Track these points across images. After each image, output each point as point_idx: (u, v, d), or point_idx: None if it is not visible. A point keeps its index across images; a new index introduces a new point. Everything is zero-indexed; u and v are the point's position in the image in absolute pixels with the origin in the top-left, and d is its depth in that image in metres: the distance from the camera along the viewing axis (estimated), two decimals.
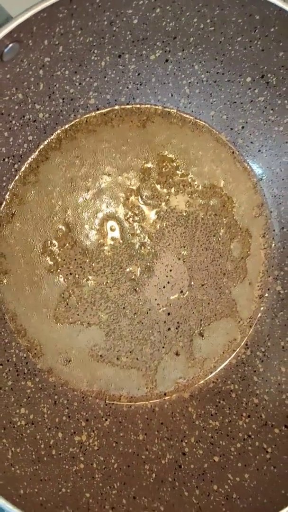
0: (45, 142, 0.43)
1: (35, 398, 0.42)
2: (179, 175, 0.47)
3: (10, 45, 0.32)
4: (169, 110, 0.46)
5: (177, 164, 0.47)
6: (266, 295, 0.49)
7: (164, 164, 0.46)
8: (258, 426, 0.44)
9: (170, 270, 0.47)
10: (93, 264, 0.45)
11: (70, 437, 0.42)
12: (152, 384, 0.46)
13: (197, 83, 0.45)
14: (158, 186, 0.46)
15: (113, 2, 0.36)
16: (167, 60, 0.43)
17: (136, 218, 0.46)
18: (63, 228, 0.44)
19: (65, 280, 0.44)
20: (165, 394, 0.47)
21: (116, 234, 0.45)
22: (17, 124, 0.40)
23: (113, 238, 0.45)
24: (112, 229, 0.45)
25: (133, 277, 0.46)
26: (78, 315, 0.44)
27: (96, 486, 0.39)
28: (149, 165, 0.46)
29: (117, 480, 0.40)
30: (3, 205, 0.42)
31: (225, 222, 0.48)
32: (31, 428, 0.40)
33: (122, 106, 0.45)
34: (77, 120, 0.44)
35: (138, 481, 0.41)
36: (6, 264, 0.43)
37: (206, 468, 0.42)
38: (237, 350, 0.49)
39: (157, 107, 0.46)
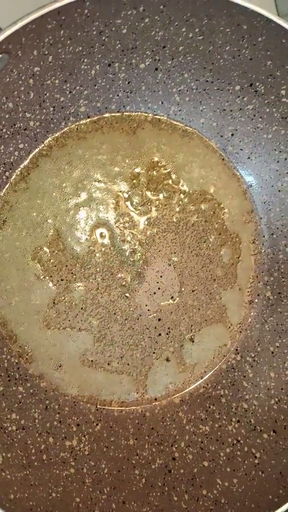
0: (36, 150, 0.43)
1: (26, 403, 0.42)
2: (169, 181, 0.47)
3: (0, 55, 0.33)
4: (159, 117, 0.46)
5: (167, 170, 0.47)
6: (256, 300, 0.49)
7: (154, 170, 0.47)
8: (247, 431, 0.44)
9: (161, 276, 0.47)
10: (84, 270, 0.45)
11: (61, 442, 0.42)
12: (143, 389, 0.47)
13: (187, 91, 0.45)
14: (148, 193, 0.46)
15: (102, 13, 0.37)
16: (156, 69, 0.43)
17: (127, 225, 0.46)
18: (54, 234, 0.44)
19: (56, 286, 0.45)
20: (155, 399, 0.47)
21: (107, 240, 0.46)
22: (8, 133, 0.40)
23: (103, 245, 0.45)
24: (102, 236, 0.45)
25: (123, 283, 0.46)
26: (69, 320, 0.45)
27: (86, 490, 0.39)
28: (139, 171, 0.46)
29: (107, 485, 0.41)
30: None
31: (215, 228, 0.48)
32: (22, 433, 0.40)
33: (113, 114, 0.45)
34: (67, 128, 0.44)
35: (128, 486, 0.41)
36: None
37: (196, 473, 0.43)
38: (227, 355, 0.49)
39: (147, 114, 0.46)
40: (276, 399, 0.45)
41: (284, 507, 0.38)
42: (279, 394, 0.45)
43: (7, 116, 0.39)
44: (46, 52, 0.37)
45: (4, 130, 0.40)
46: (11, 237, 0.43)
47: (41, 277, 0.44)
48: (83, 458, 0.42)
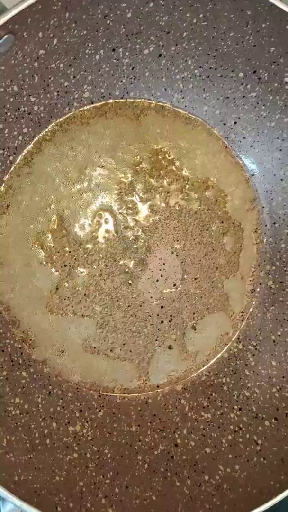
0: (40, 135, 0.43)
1: (30, 388, 0.42)
2: (172, 168, 0.47)
3: (5, 36, 0.33)
4: (162, 104, 0.47)
5: (170, 157, 0.47)
6: (258, 289, 0.50)
7: (157, 157, 0.47)
8: (249, 419, 0.45)
9: (163, 264, 0.47)
10: (87, 256, 0.45)
11: (64, 427, 0.42)
12: (145, 376, 0.47)
13: (190, 78, 0.45)
14: (151, 180, 0.46)
15: None
16: (160, 55, 0.43)
17: (130, 211, 0.46)
18: (57, 219, 0.45)
19: (59, 272, 0.45)
20: (158, 386, 0.47)
21: (110, 227, 0.46)
22: (12, 116, 0.40)
23: (107, 231, 0.46)
24: (106, 222, 0.46)
25: (126, 270, 0.46)
26: (72, 307, 0.45)
27: (89, 475, 0.40)
28: (142, 157, 0.46)
29: (110, 470, 0.41)
30: None
31: (217, 216, 0.48)
32: (26, 417, 0.40)
33: (116, 100, 0.45)
34: (71, 113, 0.44)
35: (131, 471, 0.41)
36: (1, 255, 0.43)
37: (198, 459, 0.43)
38: (229, 343, 0.49)
39: (150, 101, 0.46)
40: (278, 387, 0.45)
41: (285, 493, 0.38)
42: (281, 382, 0.46)
43: (11, 99, 0.39)
44: (51, 35, 0.37)
45: (9, 114, 0.40)
46: (14, 222, 0.43)
47: (44, 262, 0.44)
48: (86, 443, 0.42)
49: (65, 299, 0.45)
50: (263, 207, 0.49)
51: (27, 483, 0.35)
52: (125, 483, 0.40)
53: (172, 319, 0.47)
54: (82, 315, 0.45)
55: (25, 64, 0.37)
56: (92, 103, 0.45)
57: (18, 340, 0.43)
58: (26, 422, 0.40)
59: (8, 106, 0.39)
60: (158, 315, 0.47)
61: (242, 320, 0.49)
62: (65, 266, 0.44)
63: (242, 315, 0.49)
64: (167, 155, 0.47)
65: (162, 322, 0.47)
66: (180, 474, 0.42)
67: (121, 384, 0.46)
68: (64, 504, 0.36)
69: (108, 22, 0.39)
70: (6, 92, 0.38)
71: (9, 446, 0.37)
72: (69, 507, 0.36)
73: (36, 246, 0.44)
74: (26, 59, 0.37)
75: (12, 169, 0.43)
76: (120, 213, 0.46)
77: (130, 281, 0.46)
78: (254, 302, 0.50)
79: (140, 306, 0.47)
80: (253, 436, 0.44)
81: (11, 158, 0.42)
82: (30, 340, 0.44)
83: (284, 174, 0.48)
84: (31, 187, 0.44)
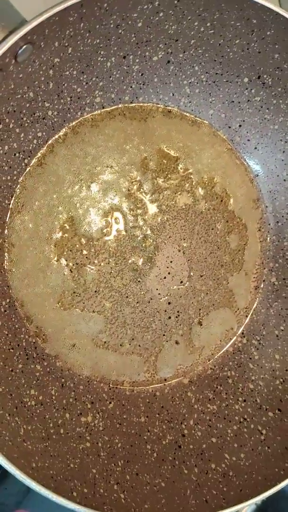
0: (53, 138, 0.45)
1: (44, 380, 0.44)
2: (179, 169, 0.49)
3: (24, 46, 0.34)
4: (170, 108, 0.48)
5: (177, 158, 0.49)
6: (262, 286, 0.51)
7: (164, 158, 0.48)
8: (254, 410, 0.46)
9: (171, 262, 0.49)
10: (98, 255, 0.47)
11: (77, 418, 0.44)
12: (153, 370, 0.48)
13: (197, 83, 0.47)
14: (159, 180, 0.48)
15: (120, 7, 0.38)
16: (169, 61, 0.45)
17: (139, 211, 0.48)
18: (69, 218, 0.46)
19: (71, 269, 0.46)
20: (165, 379, 0.49)
21: (120, 226, 0.47)
22: (28, 121, 0.42)
23: (117, 230, 0.47)
24: (116, 222, 0.47)
25: (135, 268, 0.48)
26: (83, 303, 0.46)
27: (101, 463, 0.41)
28: (150, 159, 0.48)
29: (121, 458, 0.43)
30: (13, 198, 0.44)
31: (222, 216, 0.50)
32: (41, 408, 0.42)
33: (126, 105, 0.47)
34: (83, 117, 0.46)
35: (141, 459, 0.43)
36: (15, 253, 0.45)
37: (205, 449, 0.45)
38: (234, 338, 0.51)
39: (158, 105, 0.48)
40: (281, 380, 0.47)
41: None
42: (284, 375, 0.47)
43: (27, 105, 0.40)
44: (66, 44, 0.38)
45: (25, 119, 0.41)
46: (28, 222, 0.45)
47: (57, 260, 0.46)
48: (97, 433, 0.44)
49: (76, 295, 0.46)
50: (267, 206, 0.51)
51: (44, 469, 0.37)
52: (136, 471, 0.42)
53: (179, 315, 0.49)
54: (93, 311, 0.47)
55: (41, 72, 0.39)
56: (103, 107, 0.46)
57: (32, 335, 0.45)
58: (41, 412, 0.42)
59: (24, 111, 0.41)
60: (165, 311, 0.49)
61: (247, 316, 0.51)
62: (76, 264, 0.46)
63: (246, 311, 0.51)
64: (173, 156, 0.48)
65: (169, 317, 0.49)
66: (188, 463, 0.44)
67: (130, 377, 0.48)
68: (79, 489, 0.37)
69: (120, 31, 0.41)
70: (22, 98, 0.39)
71: (26, 435, 0.38)
72: (84, 492, 0.37)
73: (49, 244, 0.46)
74: (42, 67, 0.39)
75: (26, 171, 0.44)
76: (129, 212, 0.47)
77: (139, 279, 0.48)
78: (258, 298, 0.51)
79: (149, 302, 0.48)
80: (258, 426, 0.45)
81: (26, 160, 0.44)
82: (44, 335, 0.45)
83: (287, 175, 0.49)
84: (43, 188, 0.45)
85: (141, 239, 0.48)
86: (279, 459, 0.42)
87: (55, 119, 0.44)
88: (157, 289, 0.48)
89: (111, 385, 0.47)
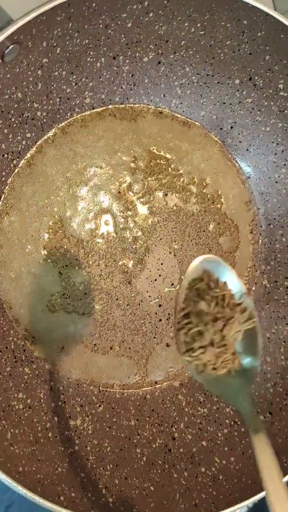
0: (42, 138, 0.45)
1: (32, 384, 0.43)
2: (169, 170, 0.48)
3: (11, 46, 0.34)
4: (161, 109, 0.48)
5: (168, 159, 0.48)
6: (253, 288, 0.51)
7: (155, 158, 0.48)
8: None
9: (162, 264, 0.48)
10: (88, 256, 0.46)
11: (66, 421, 0.43)
12: (144, 373, 0.48)
13: (188, 84, 0.47)
14: (149, 181, 0.48)
15: (109, 7, 0.38)
16: (159, 62, 0.45)
17: (129, 213, 0.47)
18: (58, 220, 0.46)
19: (60, 271, 0.46)
20: (156, 382, 0.48)
21: (110, 228, 0.47)
22: (16, 122, 0.41)
23: (106, 232, 0.47)
24: (106, 223, 0.47)
25: (126, 270, 0.47)
26: (73, 305, 0.46)
27: (90, 467, 0.41)
28: (140, 159, 0.48)
29: (109, 462, 0.42)
30: (1, 199, 0.44)
31: (214, 218, 0.49)
32: (29, 411, 0.41)
33: (116, 106, 0.47)
34: (73, 118, 0.45)
35: (130, 463, 0.43)
36: (3, 255, 0.44)
37: (195, 452, 0.44)
38: None
39: (150, 106, 0.48)
40: (272, 383, 0.47)
41: None
42: (275, 378, 0.47)
43: (15, 105, 0.40)
44: (55, 44, 0.38)
45: (13, 120, 0.41)
46: (17, 223, 0.45)
47: (45, 262, 0.45)
48: (86, 437, 0.43)
49: (65, 297, 0.46)
50: (259, 208, 0.51)
51: (31, 473, 0.36)
52: (125, 475, 0.42)
53: (169, 317, 0.49)
54: (82, 313, 0.46)
55: (29, 72, 0.39)
56: (93, 108, 0.46)
57: (20, 337, 0.45)
58: (29, 416, 0.41)
59: (12, 112, 0.40)
60: (156, 313, 0.48)
61: None
62: (65, 266, 0.46)
63: None
64: (164, 156, 0.48)
65: (160, 320, 0.48)
66: (178, 466, 0.43)
67: (120, 380, 0.48)
68: (66, 493, 0.37)
69: (109, 31, 0.40)
70: (11, 99, 0.39)
71: (13, 439, 0.38)
72: (71, 497, 0.37)
73: (38, 246, 0.45)
74: (30, 67, 0.38)
75: (15, 171, 0.44)
76: (119, 214, 0.47)
77: (129, 281, 0.47)
78: None
79: (139, 304, 0.48)
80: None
81: (14, 162, 0.44)
82: (33, 337, 0.45)
83: (278, 176, 0.49)
84: (32, 188, 0.45)
85: (131, 241, 0.47)
86: None
87: (44, 120, 0.44)
88: (147, 292, 0.48)
89: (100, 388, 0.47)
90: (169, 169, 0.48)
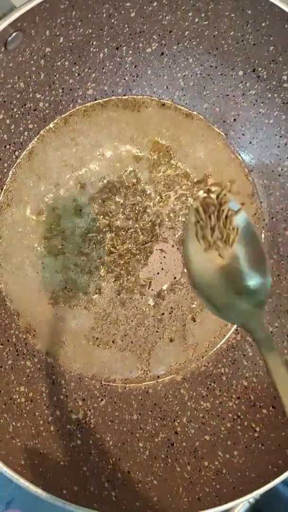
0: (44, 128, 0.44)
1: (34, 377, 0.43)
2: (173, 161, 0.48)
3: (14, 33, 0.34)
4: (164, 101, 0.48)
5: (171, 150, 0.48)
6: None
7: (157, 149, 0.48)
8: (247, 407, 0.46)
9: (164, 257, 0.48)
10: (89, 249, 0.46)
11: (68, 415, 0.43)
12: (146, 367, 0.48)
13: (191, 76, 0.46)
14: (152, 172, 0.47)
15: None
16: (162, 53, 0.44)
17: (131, 204, 0.47)
18: (60, 211, 0.45)
19: (62, 264, 0.46)
20: (158, 376, 0.48)
21: (112, 219, 0.47)
22: (19, 113, 0.41)
23: (108, 223, 0.46)
24: (107, 214, 0.46)
25: (128, 262, 0.47)
26: (74, 299, 0.46)
27: (92, 460, 0.41)
28: (143, 149, 0.47)
29: (112, 456, 0.42)
30: (3, 191, 0.43)
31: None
32: (31, 405, 0.41)
33: (119, 97, 0.46)
34: (75, 109, 0.45)
35: (132, 457, 0.43)
36: (4, 247, 0.44)
37: (198, 446, 0.44)
38: (228, 335, 0.50)
39: (152, 98, 0.47)
40: None
41: (283, 476, 0.39)
42: None
43: (18, 95, 0.40)
44: (58, 33, 0.38)
45: (15, 110, 0.40)
46: (18, 214, 0.44)
47: (47, 254, 0.45)
48: (88, 430, 0.43)
49: (68, 291, 0.46)
50: (261, 202, 0.50)
51: (33, 466, 0.36)
52: (127, 469, 0.41)
53: (172, 311, 0.48)
54: (84, 307, 0.46)
55: (32, 62, 0.38)
56: (96, 99, 0.46)
57: (22, 330, 0.44)
58: (31, 409, 0.41)
59: (15, 102, 0.40)
60: (158, 307, 0.48)
61: None
62: (68, 258, 0.45)
63: None
64: (168, 147, 0.48)
65: (162, 314, 0.48)
66: (181, 460, 0.43)
67: (122, 374, 0.47)
68: (69, 487, 0.37)
69: (113, 21, 0.40)
70: (13, 89, 0.39)
71: (15, 432, 0.38)
72: (74, 490, 0.37)
73: (39, 238, 0.45)
74: (33, 56, 0.38)
75: (17, 163, 0.43)
76: (121, 205, 0.47)
77: (131, 274, 0.47)
78: None
79: (141, 298, 0.48)
80: (251, 423, 0.45)
81: (16, 153, 0.43)
82: (34, 331, 0.45)
83: (281, 170, 0.49)
84: (33, 179, 0.44)
85: (133, 232, 0.47)
86: (273, 456, 0.42)
87: (47, 111, 0.43)
88: (150, 285, 0.48)
89: (103, 382, 0.47)
90: (172, 160, 0.48)
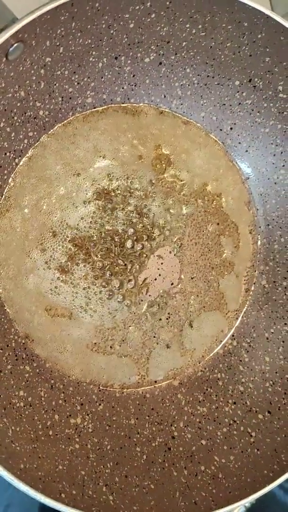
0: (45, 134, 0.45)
1: (33, 382, 0.43)
2: (170, 168, 0.49)
3: (15, 44, 0.34)
4: (162, 110, 0.48)
5: (169, 157, 0.49)
6: (252, 288, 0.51)
7: (156, 156, 0.48)
8: (243, 412, 0.46)
9: (162, 263, 0.49)
10: (87, 255, 0.46)
11: (66, 419, 0.43)
12: (144, 372, 0.48)
13: (188, 85, 0.47)
14: (150, 179, 0.48)
15: (111, 7, 0.38)
16: (160, 63, 0.45)
17: (129, 210, 0.47)
18: (59, 218, 0.46)
19: (60, 269, 0.46)
20: (155, 381, 0.49)
21: (110, 224, 0.47)
22: (19, 121, 0.42)
23: (107, 229, 0.47)
24: (106, 220, 0.47)
25: (125, 269, 0.47)
26: (73, 305, 0.46)
27: (90, 465, 0.41)
28: (141, 156, 0.48)
29: (110, 460, 0.42)
30: (2, 197, 0.44)
31: (214, 218, 0.50)
32: (29, 409, 0.41)
33: (118, 105, 0.47)
34: (74, 117, 0.46)
35: (130, 461, 0.43)
36: (2, 253, 0.44)
37: (194, 451, 0.44)
38: (224, 340, 0.51)
39: (150, 106, 0.48)
40: (271, 382, 0.47)
41: (278, 481, 0.40)
42: (274, 377, 0.47)
43: (18, 104, 0.40)
44: (58, 43, 0.38)
45: (16, 118, 0.41)
46: (17, 220, 0.45)
47: (46, 260, 0.45)
48: (86, 435, 0.43)
49: (65, 297, 0.46)
50: (258, 209, 0.51)
51: (32, 470, 0.36)
52: (125, 473, 0.42)
53: (169, 317, 0.49)
54: (82, 316, 0.46)
55: (32, 71, 0.39)
56: (94, 108, 0.46)
57: (21, 335, 0.45)
58: (30, 414, 0.41)
59: (15, 111, 0.40)
60: (156, 313, 0.48)
61: (237, 318, 0.51)
62: (65, 264, 0.46)
63: (236, 313, 0.51)
64: (166, 154, 0.48)
65: (160, 319, 0.49)
66: (177, 465, 0.43)
67: (120, 379, 0.48)
68: (67, 491, 0.37)
69: (112, 32, 0.41)
70: (14, 98, 0.39)
71: (14, 436, 0.38)
72: (72, 494, 0.37)
73: (37, 244, 0.45)
74: (33, 66, 0.39)
75: (16, 169, 0.44)
76: (120, 211, 0.47)
77: (129, 280, 0.48)
78: (248, 301, 0.51)
79: (139, 303, 0.48)
80: (247, 428, 0.45)
81: (16, 160, 0.44)
82: (33, 336, 0.45)
83: (277, 178, 0.49)
84: (33, 185, 0.45)
85: (132, 239, 0.47)
86: (268, 461, 0.42)
87: (47, 119, 0.44)
88: (147, 291, 0.48)
89: (101, 387, 0.47)
90: (171, 166, 0.48)
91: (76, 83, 0.43)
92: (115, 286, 0.47)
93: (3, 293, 0.44)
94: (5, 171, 0.43)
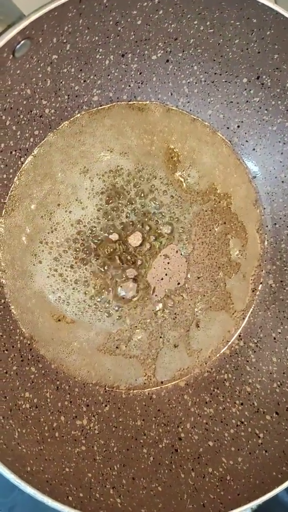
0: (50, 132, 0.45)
1: (39, 383, 0.43)
2: (177, 166, 0.48)
3: (22, 41, 0.34)
4: (168, 107, 0.48)
5: (176, 155, 0.48)
6: (259, 288, 0.51)
7: (163, 154, 0.48)
8: (251, 413, 0.46)
9: (168, 263, 0.48)
10: (94, 257, 0.46)
11: (72, 421, 0.43)
12: (150, 373, 0.48)
13: (195, 83, 0.47)
14: (156, 177, 0.47)
15: (119, 3, 0.38)
16: (167, 60, 0.45)
17: (135, 208, 0.47)
18: (65, 217, 0.45)
19: (66, 269, 0.46)
20: (162, 382, 0.48)
21: (116, 224, 0.47)
22: (25, 119, 0.41)
23: (113, 228, 0.46)
24: (112, 218, 0.46)
25: (132, 268, 0.47)
26: (78, 305, 0.46)
27: (97, 467, 0.41)
28: (150, 151, 0.47)
29: (117, 462, 0.42)
30: (8, 196, 0.43)
31: (221, 217, 0.49)
32: (35, 411, 0.41)
33: (124, 103, 0.46)
34: (80, 114, 0.45)
35: (137, 463, 0.43)
36: (8, 253, 0.44)
37: (201, 452, 0.44)
38: (231, 341, 0.50)
39: (157, 104, 0.47)
40: (278, 383, 0.47)
41: (287, 483, 0.40)
42: (281, 378, 0.47)
43: (24, 102, 0.40)
44: (65, 41, 0.38)
45: (21, 116, 0.41)
46: (23, 219, 0.44)
47: (51, 260, 0.45)
48: (93, 436, 0.43)
49: (70, 297, 0.46)
50: (265, 208, 0.51)
51: (39, 473, 0.36)
52: (132, 475, 0.41)
53: (176, 317, 0.49)
54: (88, 321, 0.46)
55: (38, 69, 0.39)
56: (101, 105, 0.46)
57: (27, 336, 0.44)
58: (36, 415, 0.41)
59: (21, 108, 0.40)
60: (162, 312, 0.48)
61: (244, 318, 0.51)
62: (71, 266, 0.45)
63: (243, 313, 0.51)
64: (173, 152, 0.48)
65: (166, 319, 0.48)
66: (185, 466, 0.43)
67: (126, 380, 0.47)
68: (74, 494, 0.37)
69: (119, 28, 0.40)
70: (20, 95, 0.39)
71: (21, 438, 0.38)
72: (79, 497, 0.37)
73: (44, 244, 0.45)
74: (40, 63, 0.38)
75: (22, 168, 0.44)
76: (126, 210, 0.47)
77: (135, 280, 0.47)
78: (255, 301, 0.51)
79: (145, 304, 0.48)
80: (255, 429, 0.45)
81: (22, 159, 0.43)
82: (38, 337, 0.45)
83: (285, 176, 0.49)
84: (38, 184, 0.44)
85: (138, 237, 0.47)
86: (277, 462, 0.42)
87: (53, 117, 0.44)
88: (154, 290, 0.48)
89: (107, 388, 0.47)
90: (178, 164, 0.48)
91: (82, 81, 0.43)
92: (120, 286, 0.47)
93: (9, 294, 0.44)
94: (11, 170, 0.43)
